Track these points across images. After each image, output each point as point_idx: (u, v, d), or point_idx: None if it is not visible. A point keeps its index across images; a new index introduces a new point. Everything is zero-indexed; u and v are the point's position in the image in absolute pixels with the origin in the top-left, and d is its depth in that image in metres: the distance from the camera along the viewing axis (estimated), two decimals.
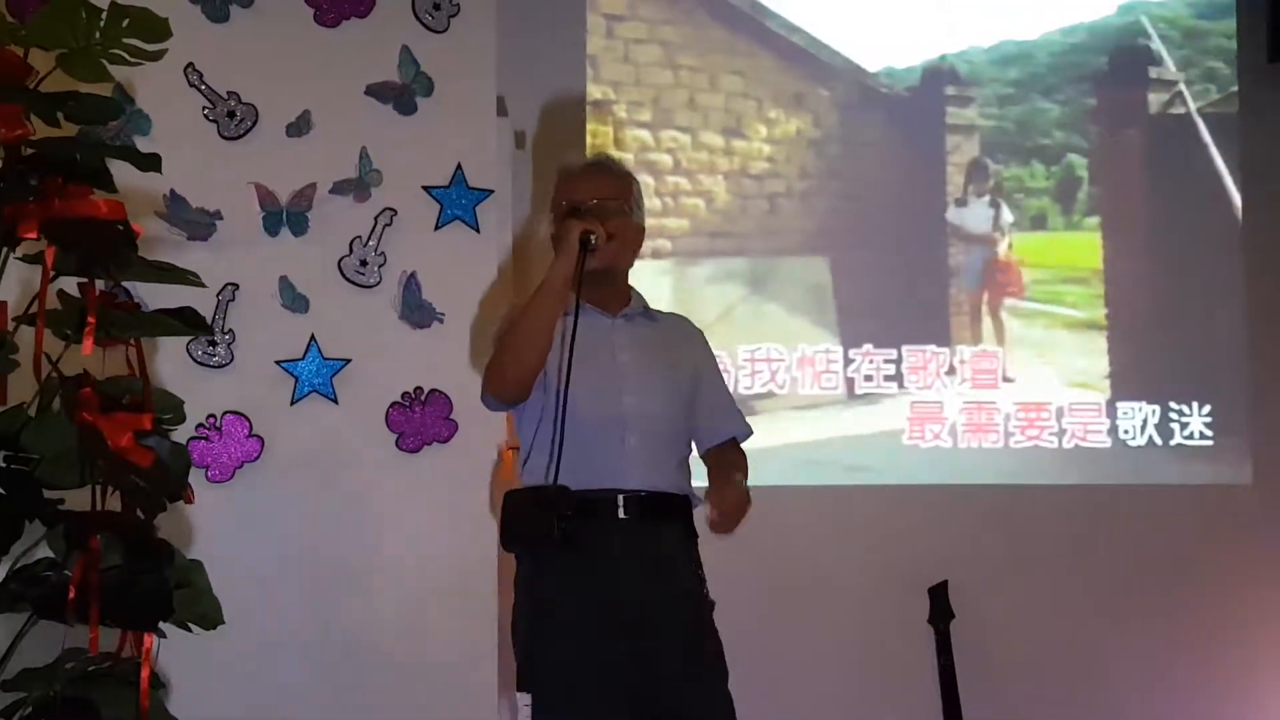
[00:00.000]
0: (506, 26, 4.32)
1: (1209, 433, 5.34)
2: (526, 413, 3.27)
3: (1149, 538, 5.23)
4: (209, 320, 3.74)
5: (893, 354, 5.23)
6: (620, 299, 3.35)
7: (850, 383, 5.20)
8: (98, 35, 2.83)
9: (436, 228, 4.10)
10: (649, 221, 3.46)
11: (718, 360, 3.56)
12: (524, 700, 3.11)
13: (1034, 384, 5.32)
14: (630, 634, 3.12)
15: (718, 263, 5.19)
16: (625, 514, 3.18)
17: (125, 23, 2.84)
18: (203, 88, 4.01)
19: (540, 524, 3.09)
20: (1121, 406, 5.32)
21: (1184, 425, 5.33)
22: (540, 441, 3.20)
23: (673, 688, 3.15)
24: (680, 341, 3.45)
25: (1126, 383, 5.34)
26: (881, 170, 5.36)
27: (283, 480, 3.97)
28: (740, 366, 5.09)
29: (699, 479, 3.32)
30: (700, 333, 3.55)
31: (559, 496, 3.10)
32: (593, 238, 3.13)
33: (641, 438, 3.23)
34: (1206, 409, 5.34)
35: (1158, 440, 5.32)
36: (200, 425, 3.90)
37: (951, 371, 5.24)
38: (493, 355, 3.25)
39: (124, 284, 3.50)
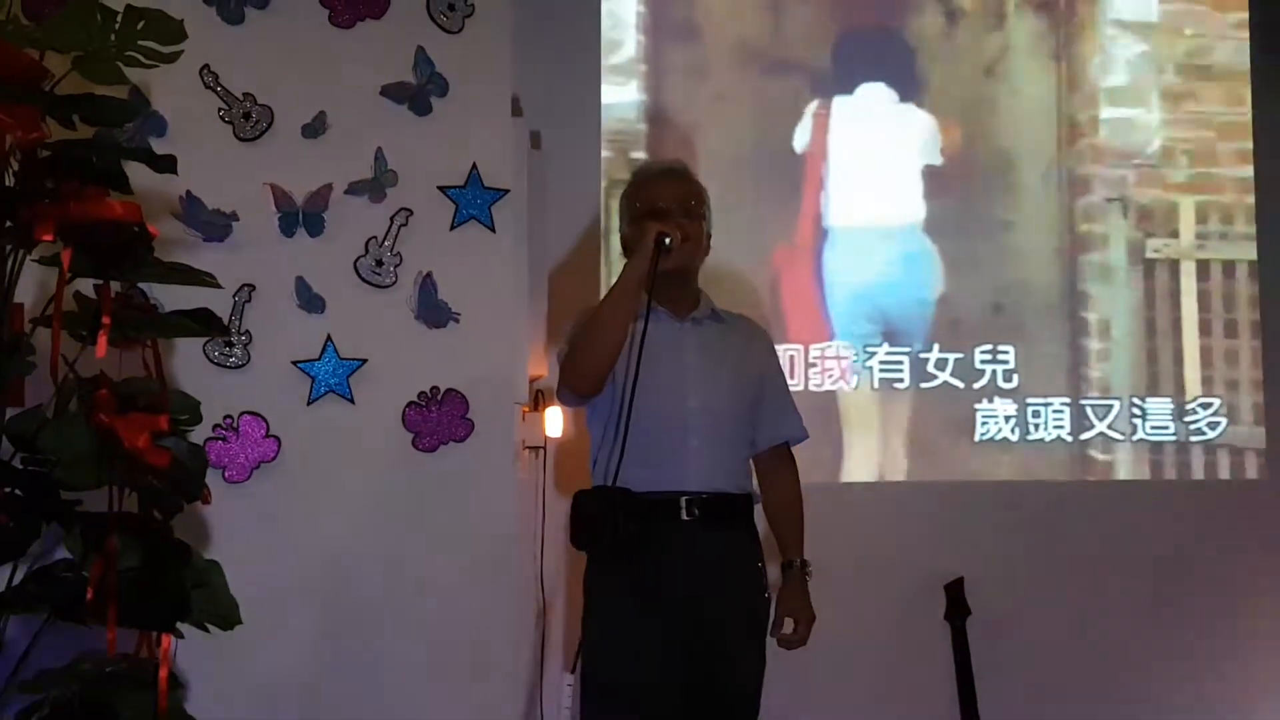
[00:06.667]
0: (521, 27, 4.32)
1: (1224, 428, 5.32)
2: (596, 413, 3.42)
3: (1164, 533, 5.22)
4: (225, 321, 3.75)
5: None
6: (690, 301, 3.48)
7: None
8: (113, 38, 2.84)
9: (452, 228, 4.10)
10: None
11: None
12: (568, 680, 3.29)
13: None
14: (691, 630, 3.26)
15: None
16: (688, 515, 3.31)
17: (140, 25, 2.85)
18: (218, 89, 4.02)
19: (604, 526, 3.21)
20: (1135, 402, 5.30)
21: (1199, 420, 5.31)
22: (608, 442, 3.33)
23: (721, 680, 3.30)
24: (747, 343, 3.58)
25: (1138, 385, 5.32)
26: None
27: (300, 480, 3.98)
28: None
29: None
30: (766, 333, 3.73)
31: (622, 500, 3.22)
32: (668, 239, 3.25)
33: (704, 439, 3.36)
34: (1221, 405, 5.33)
35: (1172, 435, 5.31)
36: (217, 426, 3.91)
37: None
38: (568, 351, 3.39)
39: (140, 285, 3.51)
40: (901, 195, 5.31)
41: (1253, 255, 5.39)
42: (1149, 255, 5.38)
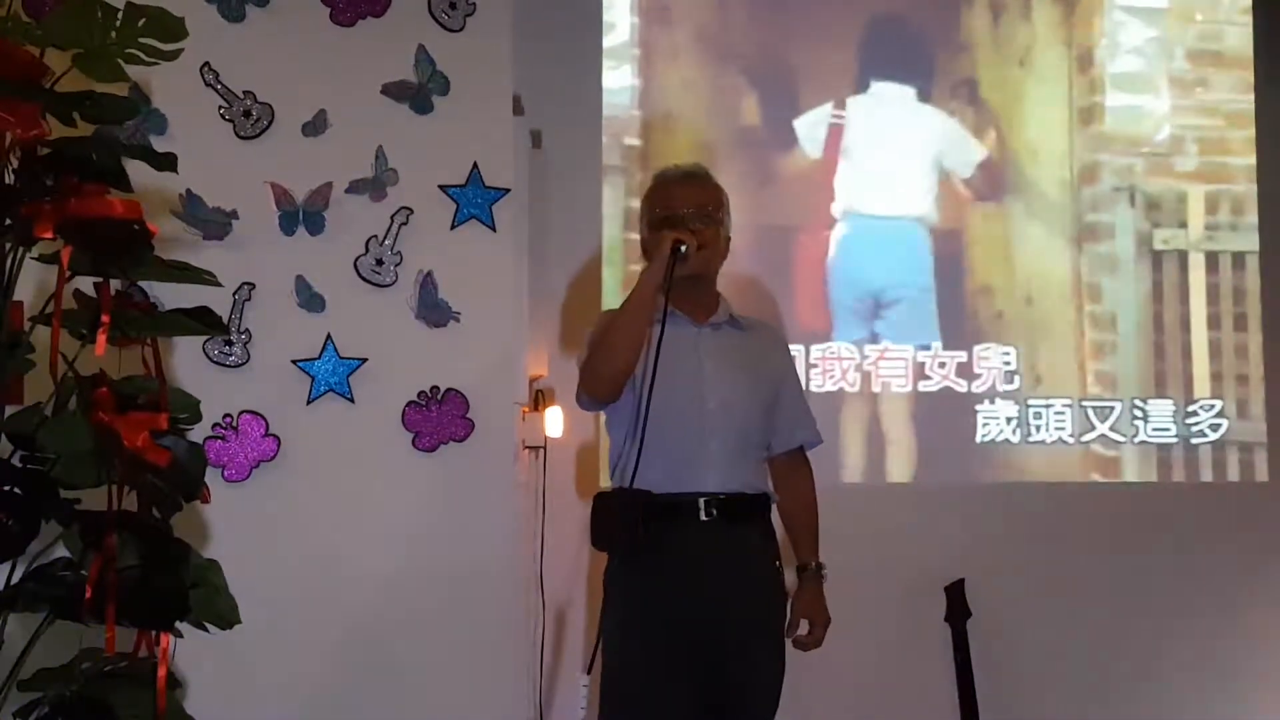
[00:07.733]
0: (523, 25, 4.32)
1: (1226, 429, 5.31)
2: (616, 416, 3.46)
3: (1165, 534, 5.23)
4: (225, 320, 3.74)
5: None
6: (708, 306, 3.52)
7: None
8: (114, 35, 2.83)
9: (453, 227, 4.09)
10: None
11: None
12: (583, 681, 3.35)
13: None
14: (710, 629, 3.30)
15: None
16: (707, 516, 3.34)
17: (141, 22, 2.84)
18: (219, 87, 4.01)
19: (623, 527, 3.23)
20: (1137, 403, 5.29)
21: (1201, 422, 5.30)
22: (628, 444, 3.35)
23: (740, 679, 3.34)
24: (764, 349, 3.62)
25: (1144, 381, 5.31)
26: None
27: (299, 479, 3.97)
28: None
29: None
30: (784, 340, 3.80)
31: (642, 501, 3.28)
32: (684, 247, 3.28)
33: (722, 442, 3.40)
34: (1224, 406, 5.31)
35: (1174, 437, 5.30)
36: (217, 425, 3.91)
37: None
38: (587, 358, 3.44)
39: (140, 284, 3.50)
40: (910, 193, 5.30)
41: None
42: (1157, 246, 5.36)
